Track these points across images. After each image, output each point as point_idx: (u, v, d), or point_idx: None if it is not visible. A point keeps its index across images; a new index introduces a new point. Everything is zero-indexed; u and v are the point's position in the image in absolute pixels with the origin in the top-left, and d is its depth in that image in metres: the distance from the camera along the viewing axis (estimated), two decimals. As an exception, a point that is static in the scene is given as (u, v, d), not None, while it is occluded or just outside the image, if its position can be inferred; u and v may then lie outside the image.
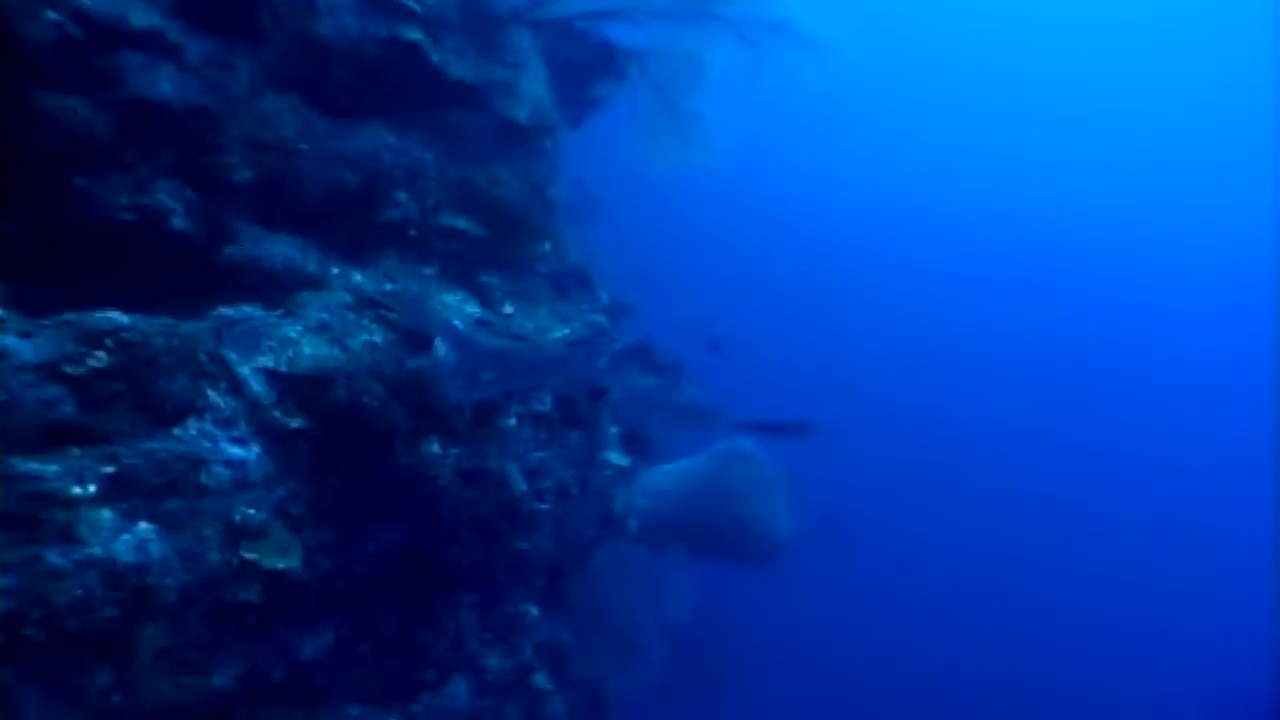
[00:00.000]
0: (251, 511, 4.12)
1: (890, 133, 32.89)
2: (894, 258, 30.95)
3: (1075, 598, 20.81)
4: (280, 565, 4.17)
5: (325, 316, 4.74)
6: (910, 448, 23.52)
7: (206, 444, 4.03)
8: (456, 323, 5.76)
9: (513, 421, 6.07)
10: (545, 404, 6.42)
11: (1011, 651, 18.22)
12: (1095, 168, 33.20)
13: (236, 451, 4.13)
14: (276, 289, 5.03)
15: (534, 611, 6.44)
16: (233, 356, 4.22)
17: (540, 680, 6.53)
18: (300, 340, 4.51)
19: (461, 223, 6.51)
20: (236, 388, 4.25)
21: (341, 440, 4.74)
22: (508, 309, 6.42)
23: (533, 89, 6.92)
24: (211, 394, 4.17)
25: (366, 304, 5.32)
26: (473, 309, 6.05)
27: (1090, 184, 33.20)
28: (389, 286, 5.65)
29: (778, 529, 9.77)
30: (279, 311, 4.62)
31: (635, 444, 7.78)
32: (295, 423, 4.40)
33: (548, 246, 7.06)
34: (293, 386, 4.43)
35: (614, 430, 7.63)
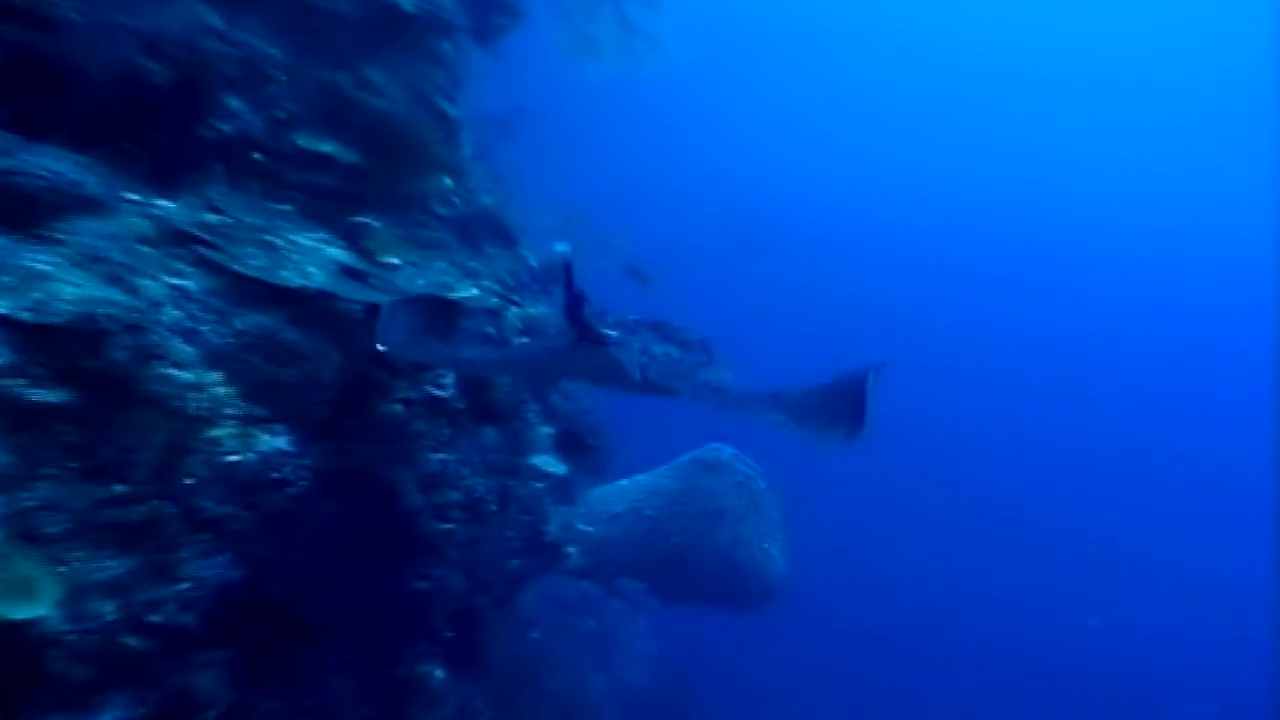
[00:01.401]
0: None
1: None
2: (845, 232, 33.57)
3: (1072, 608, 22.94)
4: (20, 614, 3.28)
5: (103, 246, 3.86)
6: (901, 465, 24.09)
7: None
8: (312, 269, 4.91)
9: (398, 408, 5.23)
10: (446, 387, 5.59)
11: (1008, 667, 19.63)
12: (1093, 168, 35.75)
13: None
14: (36, 216, 4.14)
15: (438, 673, 5.59)
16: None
17: (449, 771, 5.66)
18: (58, 276, 3.62)
19: (327, 146, 5.70)
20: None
21: (129, 425, 3.85)
22: (391, 259, 5.58)
23: (421, -33, 6.15)
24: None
25: (175, 238, 4.45)
26: (338, 254, 5.20)
27: (1088, 187, 35.82)
28: (212, 219, 4.78)
29: (769, 562, 9.01)
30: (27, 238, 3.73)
31: (576, 447, 6.95)
32: (48, 395, 3.51)
33: (448, 182, 6.27)
34: (44, 342, 3.54)
35: (546, 430, 6.80)
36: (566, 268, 4.34)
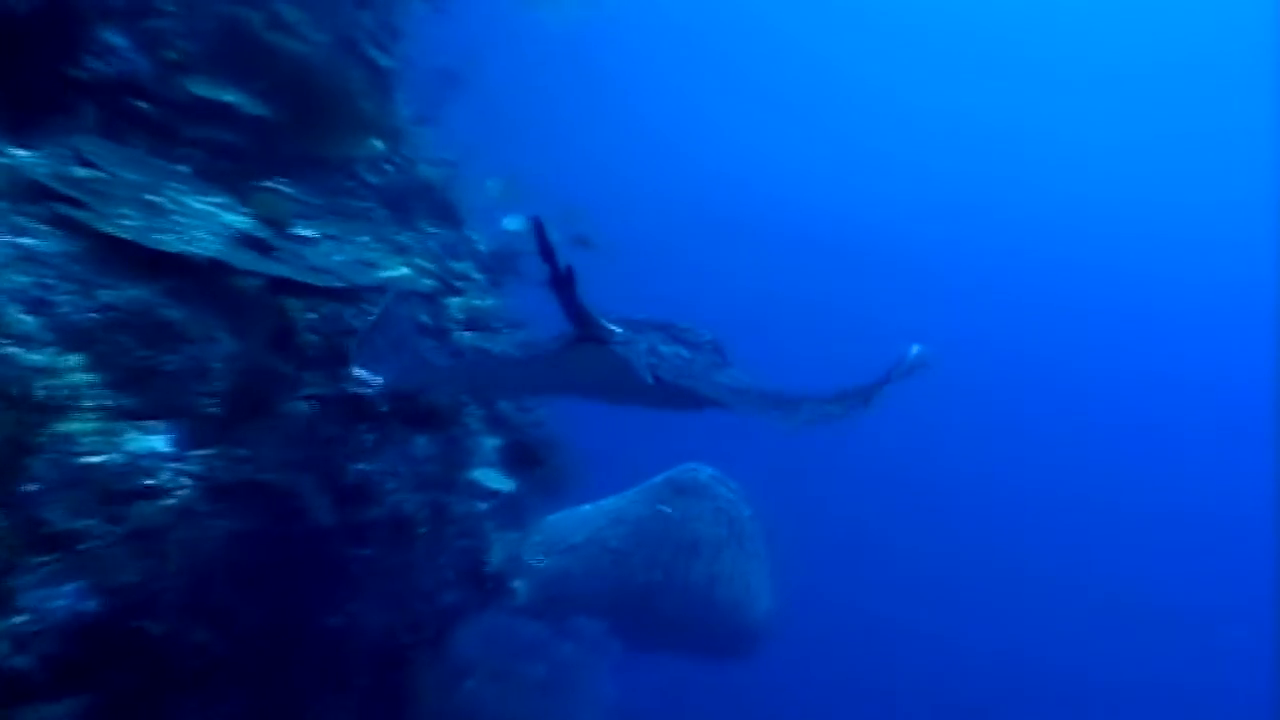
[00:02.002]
0: None
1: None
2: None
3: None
4: None
5: (-79, 191, 3.35)
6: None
7: None
8: (202, 235, 4.41)
9: (308, 406, 4.73)
10: (365, 383, 5.08)
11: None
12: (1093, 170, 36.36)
13: None
14: None
15: (352, 730, 5.04)
16: None
17: None
18: None
19: (230, 95, 5.21)
20: None
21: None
22: (305, 230, 5.10)
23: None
24: None
25: (29, 192, 3.95)
26: (238, 221, 4.72)
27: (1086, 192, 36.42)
28: (81, 173, 4.28)
29: (753, 602, 8.53)
30: None
31: (527, 462, 6.46)
32: None
33: (379, 145, 5.80)
34: None
35: (491, 441, 6.31)
36: (540, 234, 3.80)
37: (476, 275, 6.78)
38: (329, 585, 4.90)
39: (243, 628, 4.55)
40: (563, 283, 3.89)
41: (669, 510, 7.93)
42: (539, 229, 3.81)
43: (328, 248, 5.17)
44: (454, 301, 6.43)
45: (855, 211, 35.74)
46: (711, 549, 8.12)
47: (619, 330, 4.27)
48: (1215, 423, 32.31)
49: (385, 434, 5.33)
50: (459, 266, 6.43)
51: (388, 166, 5.89)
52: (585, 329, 4.09)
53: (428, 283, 5.51)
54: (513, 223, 6.75)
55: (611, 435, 7.83)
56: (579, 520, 8.14)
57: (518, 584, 6.25)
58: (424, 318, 5.49)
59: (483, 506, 6.01)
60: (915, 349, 4.13)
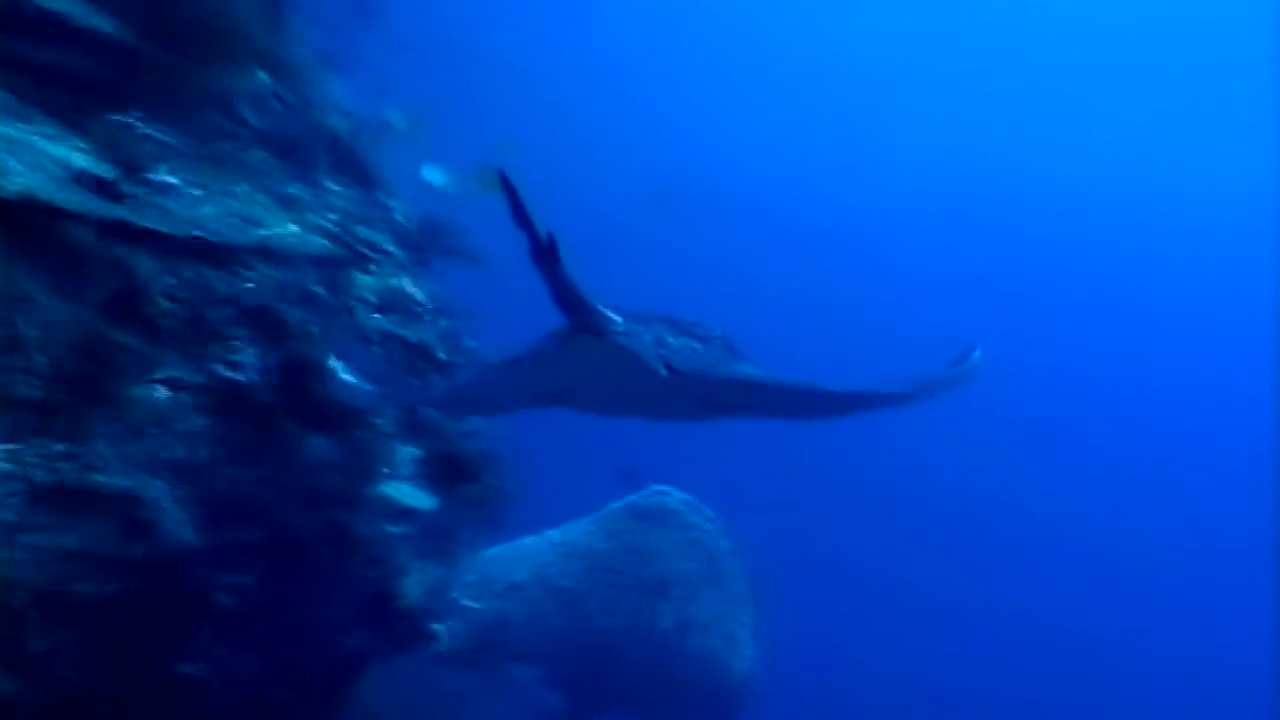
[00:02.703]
0: None
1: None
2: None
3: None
4: None
5: None
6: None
7: None
8: (18, 167, 3.79)
9: (161, 392, 4.13)
10: (245, 367, 4.49)
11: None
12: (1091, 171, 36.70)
13: None
14: None
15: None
16: None
17: None
18: None
19: (78, 6, 4.62)
20: None
21: None
22: (166, 176, 4.49)
23: None
24: None
25: None
26: (74, 157, 4.10)
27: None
28: None
29: (733, 653, 7.95)
30: None
31: (455, 477, 5.84)
32: None
33: (265, 78, 5.21)
34: None
35: (410, 450, 5.68)
36: (510, 192, 3.28)
37: (393, 249, 6.18)
38: (185, 623, 4.26)
39: (64, 677, 3.88)
40: (545, 256, 3.35)
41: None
42: (507, 185, 3.27)
43: (194, 197, 4.56)
44: (364, 280, 5.84)
45: (849, 201, 36.19)
46: (683, 589, 7.54)
47: (619, 319, 3.88)
48: (1215, 424, 33.36)
49: (270, 433, 4.71)
50: (370, 235, 5.83)
51: (275, 104, 5.29)
52: (580, 317, 3.64)
53: (321, 242, 4.90)
54: (434, 175, 6.15)
55: (563, 452, 7.23)
56: (521, 554, 7.55)
57: (440, 627, 5.59)
58: (317, 288, 4.88)
59: (395, 531, 5.36)
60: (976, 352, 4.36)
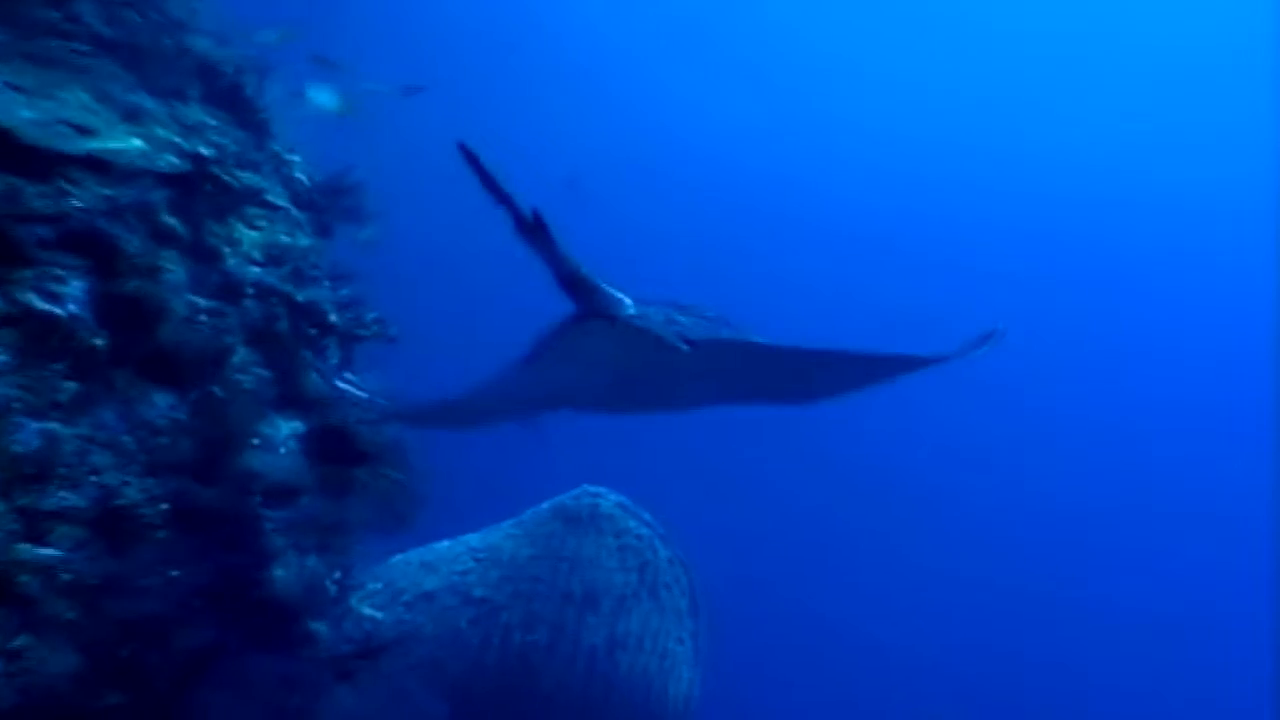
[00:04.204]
0: None
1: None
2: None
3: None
4: None
5: None
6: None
7: None
8: None
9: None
10: (66, 299, 3.77)
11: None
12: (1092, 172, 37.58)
13: None
14: None
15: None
16: None
17: None
18: None
19: None
20: None
21: None
22: (-25, 71, 3.76)
23: None
24: None
25: None
26: None
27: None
28: None
29: (671, 678, 7.26)
30: None
31: (346, 458, 5.09)
32: None
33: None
34: None
35: (289, 424, 4.93)
36: (475, 165, 3.10)
37: (285, 204, 5.47)
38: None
39: None
40: (534, 232, 3.16)
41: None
42: (469, 156, 3.12)
43: (10, 99, 3.82)
44: (250, 235, 5.12)
45: (845, 194, 36.59)
46: (614, 602, 6.81)
47: (627, 299, 3.72)
48: (1214, 425, 33.40)
49: (100, 383, 3.95)
50: (255, 182, 5.12)
51: (132, 16, 4.57)
52: (588, 300, 3.49)
53: (172, 160, 4.16)
54: (323, 96, 5.46)
55: (482, 442, 6.52)
56: (434, 560, 6.80)
57: (321, 627, 4.81)
58: (169, 219, 4.13)
59: (264, 512, 4.59)
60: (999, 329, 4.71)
